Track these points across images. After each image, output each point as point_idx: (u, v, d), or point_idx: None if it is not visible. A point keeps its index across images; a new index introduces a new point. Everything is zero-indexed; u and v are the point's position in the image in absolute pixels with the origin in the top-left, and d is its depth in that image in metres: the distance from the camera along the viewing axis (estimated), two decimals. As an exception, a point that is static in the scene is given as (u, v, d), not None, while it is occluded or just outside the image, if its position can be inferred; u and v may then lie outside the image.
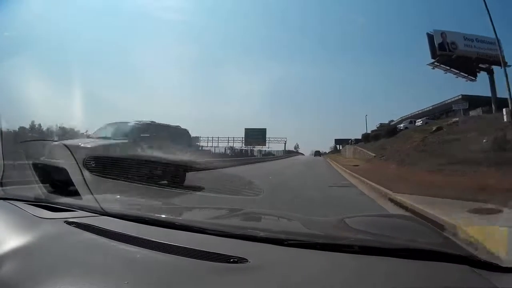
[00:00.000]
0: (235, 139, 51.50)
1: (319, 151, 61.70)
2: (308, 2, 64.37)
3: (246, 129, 53.21)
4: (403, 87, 67.05)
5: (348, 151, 36.62)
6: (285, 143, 55.09)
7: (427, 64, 25.72)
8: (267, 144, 51.58)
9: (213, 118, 74.47)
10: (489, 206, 3.77)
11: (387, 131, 26.84)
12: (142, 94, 61.17)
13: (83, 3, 44.42)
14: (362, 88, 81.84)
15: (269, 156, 43.82)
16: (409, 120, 29.28)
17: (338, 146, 59.92)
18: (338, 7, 62.32)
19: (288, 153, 56.34)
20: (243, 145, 50.75)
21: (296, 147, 73.28)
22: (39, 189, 1.57)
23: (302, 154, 62.42)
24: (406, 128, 25.78)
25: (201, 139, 49.88)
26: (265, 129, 52.90)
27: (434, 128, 17.12)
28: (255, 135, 51.48)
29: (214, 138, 50.85)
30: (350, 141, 44.47)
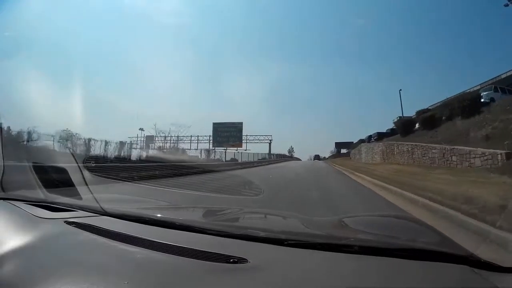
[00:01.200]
0: (200, 138, 39.68)
1: (318, 155, 57.30)
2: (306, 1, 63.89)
3: (214, 124, 39.44)
4: (403, 86, 66.48)
5: (366, 153, 25.64)
6: (269, 143, 40.36)
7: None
8: (244, 144, 38.68)
9: (204, 119, 71.96)
10: None
11: (460, 107, 13.86)
12: (138, 94, 60.37)
13: (82, 5, 44.45)
14: (362, 90, 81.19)
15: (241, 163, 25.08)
16: (491, 86, 17.54)
17: (339, 149, 55.67)
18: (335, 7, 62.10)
19: (279, 158, 43.63)
20: (211, 145, 38.51)
21: (291, 150, 64.30)
22: (39, 189, 1.57)
23: (298, 159, 54.21)
24: (491, 99, 14.93)
25: (156, 138, 39.70)
26: (240, 123, 39.05)
27: None
28: (227, 132, 38.81)
29: (172, 138, 38.94)
30: (369, 137, 32.16)
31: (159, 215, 1.26)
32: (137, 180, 5.83)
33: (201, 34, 68.94)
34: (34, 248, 0.90)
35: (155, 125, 37.47)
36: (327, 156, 59.91)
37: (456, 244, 0.95)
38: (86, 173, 2.08)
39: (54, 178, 1.84)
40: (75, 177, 1.81)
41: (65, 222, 1.14)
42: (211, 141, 40.02)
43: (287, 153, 59.97)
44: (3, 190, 1.54)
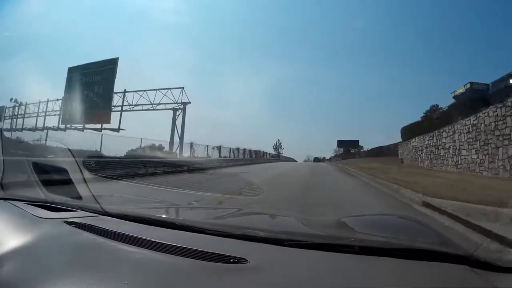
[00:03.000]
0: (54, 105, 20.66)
1: (318, 157, 50.01)
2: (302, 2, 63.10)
3: (70, 69, 20.04)
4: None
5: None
6: (179, 110, 19.09)
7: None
8: (109, 119, 18.42)
9: (202, 121, 66.78)
10: None
11: None
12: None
13: (82, 5, 43.93)
14: (362, 90, 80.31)
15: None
16: None
17: (348, 148, 47.59)
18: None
19: (243, 159, 23.77)
20: (60, 122, 20.25)
21: (277, 146, 48.02)
22: (39, 189, 1.57)
23: (292, 160, 43.05)
24: None
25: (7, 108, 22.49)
26: (113, 62, 18.49)
27: None
28: (90, 86, 18.60)
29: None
30: None
31: (159, 215, 1.27)
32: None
33: (197, 34, 68.05)
34: (34, 248, 0.90)
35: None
36: (327, 157, 52.77)
37: (456, 244, 0.95)
38: (86, 173, 2.08)
39: (54, 178, 1.84)
40: (75, 176, 1.81)
41: (65, 222, 1.14)
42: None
43: (272, 151, 43.52)
44: (3, 190, 1.55)
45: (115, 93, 18.92)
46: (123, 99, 19.09)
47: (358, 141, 49.24)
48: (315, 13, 64.80)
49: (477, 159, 11.69)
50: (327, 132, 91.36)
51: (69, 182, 1.75)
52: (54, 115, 21.31)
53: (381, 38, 66.51)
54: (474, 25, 53.10)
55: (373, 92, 79.69)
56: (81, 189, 1.64)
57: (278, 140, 46.84)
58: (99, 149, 15.46)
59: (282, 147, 47.09)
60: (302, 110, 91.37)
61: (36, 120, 22.15)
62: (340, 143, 51.64)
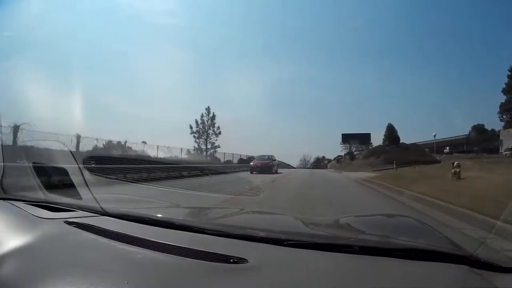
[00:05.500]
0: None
1: (315, 164, 41.10)
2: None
3: None
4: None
5: None
6: None
7: None
8: None
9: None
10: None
11: None
12: (138, 97, 56.97)
13: (81, 6, 43.57)
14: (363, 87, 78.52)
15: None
16: None
17: (394, 138, 33.68)
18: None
19: None
20: None
21: (204, 130, 23.67)
22: (39, 189, 1.58)
23: (295, 165, 34.13)
24: None
25: None
26: None
27: None
28: None
29: None
30: None
31: (159, 215, 1.27)
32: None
33: (191, 35, 65.82)
34: (34, 248, 0.90)
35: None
36: (328, 156, 45.02)
37: (456, 244, 0.95)
38: (86, 174, 2.09)
39: (54, 179, 1.85)
40: (75, 177, 1.81)
41: (65, 222, 1.14)
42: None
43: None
44: (3, 190, 1.55)
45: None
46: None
47: (369, 134, 38.44)
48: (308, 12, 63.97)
49: None
50: (326, 126, 79.46)
51: (70, 183, 1.75)
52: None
53: (381, 36, 65.78)
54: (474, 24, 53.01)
55: (374, 87, 75.73)
56: (81, 190, 1.65)
57: (207, 108, 21.60)
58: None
59: (219, 130, 22.20)
60: (295, 102, 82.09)
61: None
62: (346, 137, 40.14)
